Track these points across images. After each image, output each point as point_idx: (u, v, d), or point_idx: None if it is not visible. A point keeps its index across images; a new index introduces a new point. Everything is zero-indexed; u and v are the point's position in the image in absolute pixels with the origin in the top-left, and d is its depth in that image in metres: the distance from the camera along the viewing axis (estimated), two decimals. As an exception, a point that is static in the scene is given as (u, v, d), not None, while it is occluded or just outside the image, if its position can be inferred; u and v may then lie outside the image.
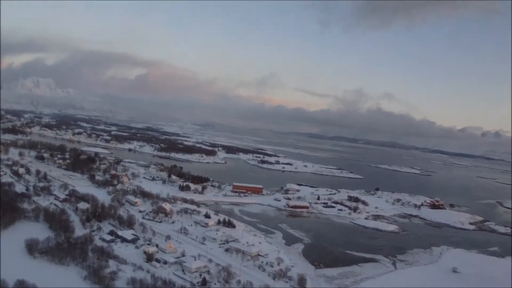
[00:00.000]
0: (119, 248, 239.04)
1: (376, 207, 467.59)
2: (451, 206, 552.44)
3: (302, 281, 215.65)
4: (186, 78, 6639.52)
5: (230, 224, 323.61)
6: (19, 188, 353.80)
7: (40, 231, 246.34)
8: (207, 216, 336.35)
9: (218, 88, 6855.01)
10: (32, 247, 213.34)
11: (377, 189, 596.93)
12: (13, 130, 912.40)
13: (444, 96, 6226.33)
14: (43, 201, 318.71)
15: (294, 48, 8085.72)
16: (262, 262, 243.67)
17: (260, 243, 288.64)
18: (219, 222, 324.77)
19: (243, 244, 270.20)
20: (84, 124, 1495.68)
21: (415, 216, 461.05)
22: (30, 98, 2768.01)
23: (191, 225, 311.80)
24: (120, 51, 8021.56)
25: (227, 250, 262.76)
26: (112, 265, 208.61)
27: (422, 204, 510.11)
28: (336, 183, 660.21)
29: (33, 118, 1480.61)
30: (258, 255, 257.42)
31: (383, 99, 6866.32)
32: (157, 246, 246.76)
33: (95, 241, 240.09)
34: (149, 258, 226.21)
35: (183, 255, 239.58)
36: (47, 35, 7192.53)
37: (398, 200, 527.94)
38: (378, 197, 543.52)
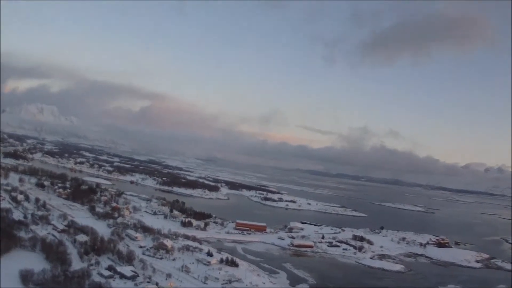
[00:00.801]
0: (117, 285, 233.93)
1: (381, 246, 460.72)
2: (457, 244, 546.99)
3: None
4: (190, 112, 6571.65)
5: (233, 263, 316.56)
6: (17, 215, 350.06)
7: (36, 262, 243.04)
8: (209, 254, 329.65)
9: (221, 123, 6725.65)
10: (26, 278, 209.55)
11: (382, 228, 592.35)
12: (14, 155, 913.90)
13: (448, 132, 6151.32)
14: (41, 231, 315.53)
15: (298, 84, 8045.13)
16: None
17: (264, 283, 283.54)
18: (221, 261, 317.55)
19: (246, 285, 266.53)
20: (87, 154, 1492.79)
21: (421, 255, 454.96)
22: (34, 124, 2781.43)
23: (193, 263, 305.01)
24: (125, 82, 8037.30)
25: None
26: None
27: (427, 243, 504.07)
28: (340, 222, 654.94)
29: (36, 144, 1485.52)
30: None
31: (387, 137, 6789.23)
32: (157, 284, 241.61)
33: (92, 276, 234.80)
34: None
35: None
36: (53, 62, 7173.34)
37: (403, 238, 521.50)
38: (383, 236, 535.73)
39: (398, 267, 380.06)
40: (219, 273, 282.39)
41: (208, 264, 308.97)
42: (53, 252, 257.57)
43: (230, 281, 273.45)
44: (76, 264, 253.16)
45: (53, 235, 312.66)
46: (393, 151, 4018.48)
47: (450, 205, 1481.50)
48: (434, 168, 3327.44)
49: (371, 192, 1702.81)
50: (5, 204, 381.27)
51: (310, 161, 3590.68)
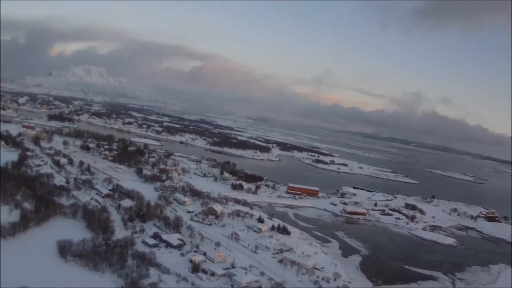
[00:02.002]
0: (162, 255, 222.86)
1: (433, 217, 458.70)
2: (506, 218, 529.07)
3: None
4: (242, 72, 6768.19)
5: (284, 231, 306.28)
6: (59, 180, 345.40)
7: (76, 230, 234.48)
8: (260, 220, 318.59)
9: (274, 84, 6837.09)
10: (64, 249, 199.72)
11: (433, 197, 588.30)
12: (59, 117, 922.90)
13: (498, 102, 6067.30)
14: (83, 196, 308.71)
15: (352, 47, 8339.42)
16: (318, 277, 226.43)
17: (316, 253, 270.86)
18: (273, 228, 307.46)
19: (298, 255, 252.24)
20: (136, 114, 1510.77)
21: (472, 228, 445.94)
22: (81, 85, 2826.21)
23: (243, 230, 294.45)
24: (176, 43, 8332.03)
25: (281, 261, 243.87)
26: (153, 274, 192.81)
27: (478, 216, 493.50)
28: (392, 188, 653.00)
29: (83, 106, 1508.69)
30: (314, 268, 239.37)
31: (439, 103, 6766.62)
32: (204, 254, 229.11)
33: (136, 245, 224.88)
34: (195, 268, 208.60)
35: (233, 266, 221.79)
36: (100, 25, 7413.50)
37: (455, 209, 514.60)
38: (435, 206, 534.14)
39: (449, 240, 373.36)
40: (270, 241, 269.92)
41: (258, 231, 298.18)
42: (95, 219, 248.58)
43: (281, 251, 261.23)
44: (120, 232, 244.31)
45: (96, 200, 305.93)
46: (444, 118, 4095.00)
47: (498, 177, 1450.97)
48: (483, 137, 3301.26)
49: (421, 158, 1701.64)
50: (47, 169, 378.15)
51: (361, 123, 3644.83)
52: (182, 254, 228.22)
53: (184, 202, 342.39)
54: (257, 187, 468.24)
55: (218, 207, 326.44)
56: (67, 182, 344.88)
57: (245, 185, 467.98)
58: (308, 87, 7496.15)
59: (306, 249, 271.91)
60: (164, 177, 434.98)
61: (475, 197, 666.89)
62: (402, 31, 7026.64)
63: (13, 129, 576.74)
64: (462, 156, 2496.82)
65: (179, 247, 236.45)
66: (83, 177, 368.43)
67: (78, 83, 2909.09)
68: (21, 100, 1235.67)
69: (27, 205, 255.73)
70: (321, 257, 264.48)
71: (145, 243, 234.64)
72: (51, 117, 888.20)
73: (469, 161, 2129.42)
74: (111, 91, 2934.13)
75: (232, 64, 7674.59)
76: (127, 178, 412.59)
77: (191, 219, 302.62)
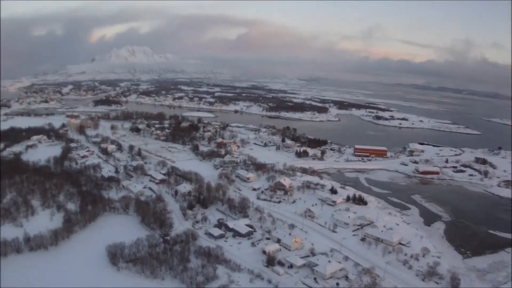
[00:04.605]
0: (230, 247, 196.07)
1: (505, 171, 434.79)
2: None
3: (455, 281, 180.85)
4: (288, 34, 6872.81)
5: (361, 201, 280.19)
6: (107, 170, 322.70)
7: (128, 228, 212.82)
8: (333, 191, 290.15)
9: (321, 42, 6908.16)
10: (115, 256, 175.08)
11: (500, 148, 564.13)
12: (106, 101, 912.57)
13: None
14: (135, 185, 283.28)
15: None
16: (406, 255, 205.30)
17: (398, 224, 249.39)
18: (348, 199, 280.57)
19: (381, 230, 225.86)
20: (185, 88, 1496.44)
21: None
22: (127, 67, 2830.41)
23: (316, 204, 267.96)
24: (218, 12, 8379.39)
25: (363, 239, 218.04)
26: (222, 274, 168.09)
27: None
28: (456, 141, 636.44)
29: (130, 86, 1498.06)
30: (400, 244, 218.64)
31: (491, 49, 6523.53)
32: (279, 241, 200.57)
33: (199, 239, 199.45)
34: (270, 261, 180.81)
35: (312, 253, 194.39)
36: (139, 4, 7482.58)
37: None
38: (503, 158, 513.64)
39: None
40: (349, 217, 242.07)
41: (333, 204, 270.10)
42: (149, 212, 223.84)
43: (361, 226, 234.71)
44: (179, 224, 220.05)
45: (150, 188, 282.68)
46: (494, 64, 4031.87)
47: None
48: None
49: (475, 106, 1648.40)
50: (94, 159, 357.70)
51: (412, 75, 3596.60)
52: (253, 244, 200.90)
53: (248, 178, 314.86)
54: (323, 152, 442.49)
55: (286, 181, 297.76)
56: (116, 171, 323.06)
57: (310, 151, 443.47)
58: (356, 42, 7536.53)
59: (387, 221, 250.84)
60: (222, 151, 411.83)
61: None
62: None
63: (57, 121, 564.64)
64: None
65: (248, 235, 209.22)
66: (134, 163, 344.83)
67: (123, 65, 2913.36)
68: (65, 90, 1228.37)
69: (72, 206, 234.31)
70: (404, 229, 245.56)
71: (209, 235, 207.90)
72: (97, 103, 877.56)
73: None
74: (157, 68, 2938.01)
75: (276, 27, 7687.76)
76: (183, 158, 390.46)
77: (258, 198, 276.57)
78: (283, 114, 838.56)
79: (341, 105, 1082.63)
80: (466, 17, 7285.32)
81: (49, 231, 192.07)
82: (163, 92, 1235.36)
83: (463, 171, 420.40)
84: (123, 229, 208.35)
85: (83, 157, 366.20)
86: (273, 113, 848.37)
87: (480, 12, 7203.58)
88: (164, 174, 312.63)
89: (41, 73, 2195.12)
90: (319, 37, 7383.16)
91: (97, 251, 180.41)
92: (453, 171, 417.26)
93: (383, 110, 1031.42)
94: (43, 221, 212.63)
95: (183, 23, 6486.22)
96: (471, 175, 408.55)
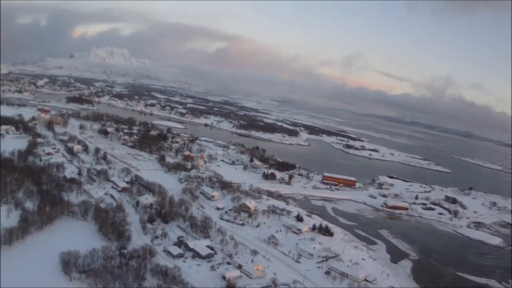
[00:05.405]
0: (189, 269, 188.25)
1: (475, 212, 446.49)
2: None
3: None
4: (267, 53, 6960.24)
5: (327, 232, 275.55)
6: (70, 171, 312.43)
7: (85, 235, 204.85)
8: (299, 218, 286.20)
9: (299, 65, 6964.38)
10: (68, 264, 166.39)
11: (471, 189, 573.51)
12: (79, 99, 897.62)
13: None
14: (97, 191, 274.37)
15: (379, 29, 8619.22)
16: None
17: (364, 259, 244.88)
18: (314, 228, 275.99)
19: (347, 265, 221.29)
20: (158, 95, 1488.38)
21: None
22: (103, 67, 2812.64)
23: (280, 231, 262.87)
24: (200, 24, 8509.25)
25: (328, 273, 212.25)
26: None
27: None
28: (426, 177, 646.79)
29: (104, 87, 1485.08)
30: (366, 280, 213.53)
31: (471, 89, 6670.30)
32: (240, 267, 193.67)
33: (157, 256, 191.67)
34: (230, 287, 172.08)
35: (274, 283, 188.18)
36: (125, 6, 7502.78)
37: (494, 203, 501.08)
38: (473, 198, 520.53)
39: (496, 240, 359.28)
40: (314, 247, 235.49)
41: (298, 232, 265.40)
42: (108, 221, 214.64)
43: (326, 258, 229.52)
44: (137, 238, 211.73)
45: (111, 196, 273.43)
46: (471, 104, 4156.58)
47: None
48: (507, 124, 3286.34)
49: (447, 143, 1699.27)
50: (58, 158, 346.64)
51: (386, 107, 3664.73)
52: (212, 268, 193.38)
53: (213, 196, 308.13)
54: (291, 177, 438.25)
55: (251, 203, 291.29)
56: (79, 173, 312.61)
57: (278, 174, 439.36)
58: (334, 69, 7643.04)
59: (353, 255, 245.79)
60: (189, 165, 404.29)
61: (507, 188, 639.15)
62: (430, 14, 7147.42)
63: (27, 113, 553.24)
64: (485, 143, 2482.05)
65: (208, 257, 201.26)
66: (98, 167, 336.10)
67: (100, 64, 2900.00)
68: (40, 83, 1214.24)
69: (30, 204, 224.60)
70: (370, 265, 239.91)
71: (168, 253, 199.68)
72: (69, 100, 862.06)
73: (493, 148, 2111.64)
74: (133, 73, 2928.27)
75: (256, 45, 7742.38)
76: (148, 167, 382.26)
77: (221, 218, 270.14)
78: (253, 133, 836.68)
79: (312, 130, 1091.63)
80: (446, 54, 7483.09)
81: (3, 229, 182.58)
82: (136, 97, 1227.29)
83: (433, 209, 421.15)
84: (80, 236, 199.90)
85: (47, 154, 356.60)
86: (243, 131, 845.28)
87: (460, 51, 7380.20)
88: (127, 182, 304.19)
89: (20, 62, 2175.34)
90: (298, 59, 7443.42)
91: (50, 257, 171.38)
92: (423, 208, 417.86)
93: (354, 139, 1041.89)
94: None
95: (165, 30, 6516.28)
96: (440, 213, 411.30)
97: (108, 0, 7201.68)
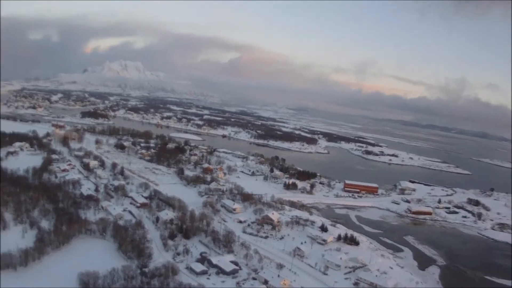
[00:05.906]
0: (213, 286, 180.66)
1: (498, 213, 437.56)
2: None
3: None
4: (280, 62, 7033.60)
5: (352, 241, 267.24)
6: (87, 187, 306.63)
7: (104, 255, 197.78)
8: (323, 228, 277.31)
9: (314, 73, 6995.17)
10: (87, 286, 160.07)
11: (492, 190, 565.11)
12: (94, 114, 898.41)
13: None
14: (115, 207, 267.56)
15: (391, 36, 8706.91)
16: None
17: (392, 268, 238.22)
18: (339, 238, 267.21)
19: (375, 275, 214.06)
20: (174, 108, 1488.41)
21: None
22: (118, 81, 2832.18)
23: (305, 242, 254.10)
24: (212, 35, 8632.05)
25: (356, 284, 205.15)
26: None
27: None
28: (446, 180, 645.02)
29: (119, 101, 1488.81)
30: None
31: (485, 89, 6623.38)
32: (266, 283, 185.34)
33: (179, 273, 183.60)
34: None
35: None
36: (136, 19, 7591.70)
37: None
38: (495, 200, 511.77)
39: None
40: (341, 258, 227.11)
41: (323, 243, 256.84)
42: (127, 239, 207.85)
43: (354, 269, 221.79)
44: (158, 255, 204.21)
45: (130, 212, 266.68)
46: (486, 104, 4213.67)
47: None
48: None
49: (464, 145, 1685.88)
50: (74, 174, 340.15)
51: (402, 111, 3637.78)
52: (238, 284, 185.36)
53: (234, 209, 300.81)
54: (312, 186, 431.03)
55: (274, 215, 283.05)
56: (96, 190, 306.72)
57: (299, 183, 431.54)
58: (348, 75, 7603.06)
59: (380, 264, 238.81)
60: (208, 178, 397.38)
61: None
62: (441, 18, 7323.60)
63: (42, 129, 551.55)
64: (502, 143, 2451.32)
65: (233, 273, 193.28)
66: (116, 182, 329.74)
67: (114, 78, 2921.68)
68: (54, 98, 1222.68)
69: (45, 224, 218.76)
70: (398, 273, 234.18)
71: (191, 270, 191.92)
72: (84, 114, 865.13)
73: (510, 148, 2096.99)
74: (148, 85, 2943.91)
75: (269, 54, 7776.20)
76: (167, 181, 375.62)
77: (244, 231, 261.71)
78: (272, 142, 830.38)
79: (330, 137, 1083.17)
80: (460, 56, 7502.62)
81: (19, 250, 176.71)
82: (152, 110, 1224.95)
83: (456, 213, 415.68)
84: (98, 255, 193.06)
85: (63, 170, 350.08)
86: (261, 141, 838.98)
87: (473, 53, 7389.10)
88: (146, 198, 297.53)
89: (32, 78, 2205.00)
90: (312, 67, 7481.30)
91: (68, 278, 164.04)
92: (446, 212, 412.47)
93: (373, 145, 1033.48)
94: (15, 237, 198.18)
95: (177, 42, 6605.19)
96: (464, 216, 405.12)
97: (119, 13, 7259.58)
